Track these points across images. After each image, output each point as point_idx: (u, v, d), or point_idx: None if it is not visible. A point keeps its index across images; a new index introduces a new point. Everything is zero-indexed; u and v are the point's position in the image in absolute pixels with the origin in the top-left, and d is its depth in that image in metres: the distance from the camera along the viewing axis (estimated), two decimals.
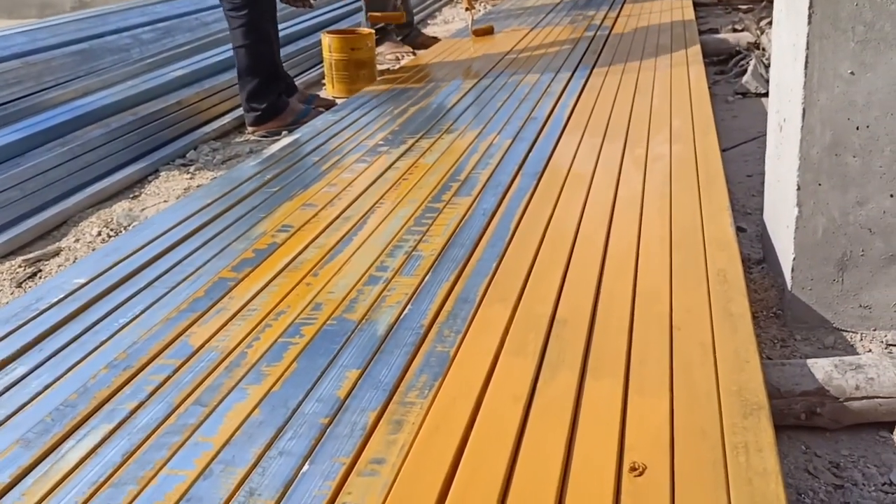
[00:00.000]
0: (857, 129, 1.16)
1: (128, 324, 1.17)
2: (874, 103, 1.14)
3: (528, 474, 0.80)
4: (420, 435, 0.86)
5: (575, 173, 1.67)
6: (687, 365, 0.96)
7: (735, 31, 3.35)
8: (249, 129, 2.63)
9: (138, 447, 0.88)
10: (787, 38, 1.25)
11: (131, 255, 1.40)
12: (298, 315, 1.15)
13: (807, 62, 1.13)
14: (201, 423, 0.92)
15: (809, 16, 1.11)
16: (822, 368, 1.06)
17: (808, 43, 1.12)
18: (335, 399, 0.94)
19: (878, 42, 1.11)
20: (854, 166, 1.18)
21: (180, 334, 1.13)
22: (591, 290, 1.16)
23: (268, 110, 2.59)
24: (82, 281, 1.31)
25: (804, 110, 1.16)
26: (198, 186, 2.17)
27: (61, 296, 1.27)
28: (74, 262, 1.76)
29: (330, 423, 0.90)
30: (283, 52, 2.92)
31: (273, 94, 2.59)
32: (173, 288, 1.27)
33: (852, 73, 1.13)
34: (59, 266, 1.76)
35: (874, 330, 1.27)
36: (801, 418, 1.05)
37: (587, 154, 1.79)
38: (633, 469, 0.78)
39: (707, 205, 1.42)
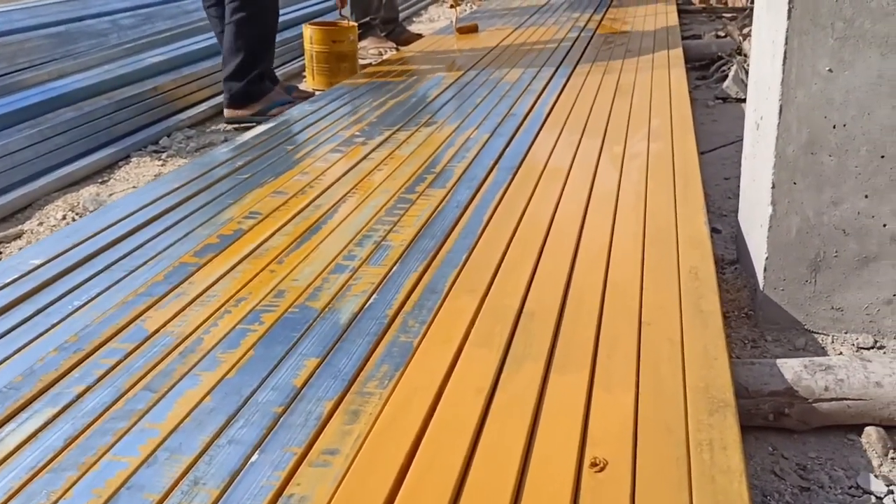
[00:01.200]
0: (834, 127, 1.14)
1: (82, 306, 1.13)
2: (851, 102, 1.12)
3: (486, 469, 0.77)
4: (376, 426, 0.83)
5: (551, 169, 1.65)
6: (654, 360, 0.94)
7: (718, 37, 3.36)
8: (225, 113, 2.57)
9: (82, 432, 0.85)
10: (766, 34, 1.24)
11: (92, 237, 1.36)
12: (259, 302, 1.12)
13: (785, 58, 1.12)
14: (149, 408, 0.88)
15: (789, 11, 1.10)
16: (791, 368, 1.04)
17: (787, 39, 1.11)
18: (291, 387, 0.91)
19: (857, 39, 1.10)
20: (830, 166, 1.16)
21: (135, 318, 1.09)
22: (562, 283, 1.14)
23: (244, 91, 2.50)
24: (38, 262, 1.27)
25: (781, 107, 1.14)
26: (170, 172, 2.12)
27: (15, 276, 1.22)
28: None
29: (284, 411, 0.86)
30: None
31: (254, 74, 2.51)
32: (132, 271, 1.23)
33: (830, 70, 1.11)
34: (19, 249, 1.71)
35: (846, 332, 1.25)
36: (769, 419, 1.03)
37: (564, 150, 1.77)
38: (593, 465, 0.76)
39: (682, 203, 1.41)
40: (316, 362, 0.96)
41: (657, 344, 0.97)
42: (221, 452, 0.80)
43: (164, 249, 1.31)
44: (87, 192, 2.05)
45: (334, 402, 0.88)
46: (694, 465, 0.76)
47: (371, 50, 3.70)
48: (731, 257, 1.51)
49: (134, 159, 2.29)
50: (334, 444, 0.81)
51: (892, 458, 1.01)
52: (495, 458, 0.78)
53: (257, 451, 0.80)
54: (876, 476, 0.98)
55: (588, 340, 0.99)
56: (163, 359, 0.98)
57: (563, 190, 1.52)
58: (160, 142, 2.44)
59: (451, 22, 3.43)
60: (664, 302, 1.07)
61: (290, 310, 1.09)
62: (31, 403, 0.90)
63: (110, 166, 2.24)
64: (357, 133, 1.99)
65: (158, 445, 0.82)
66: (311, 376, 0.93)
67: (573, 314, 1.05)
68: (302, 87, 2.98)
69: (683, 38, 3.14)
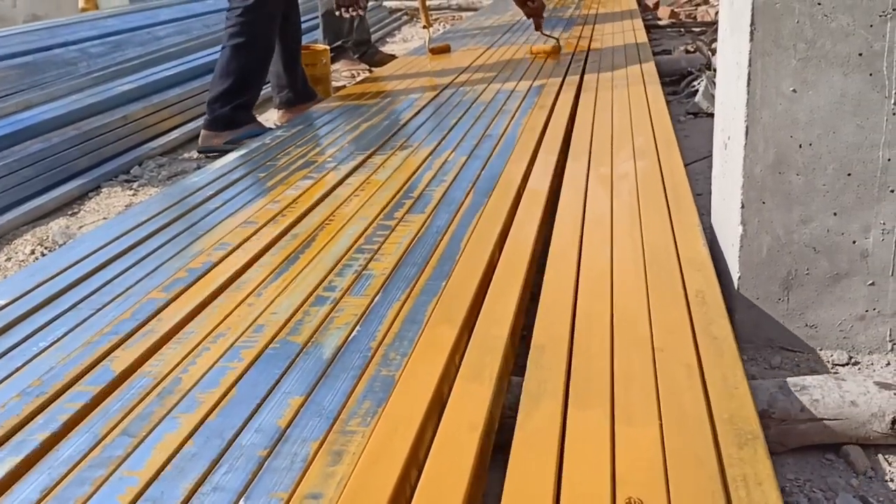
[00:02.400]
0: (800, 146, 1.15)
1: (48, 348, 1.10)
2: (816, 121, 1.13)
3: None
4: (358, 467, 0.81)
5: (532, 191, 1.65)
6: (675, 390, 0.90)
7: (688, 52, 3.40)
8: (200, 138, 2.54)
9: (58, 482, 0.82)
10: (730, 56, 1.25)
11: (58, 274, 1.33)
12: (238, 338, 1.09)
13: (749, 80, 1.12)
14: (128, 455, 0.85)
15: (751, 33, 1.11)
16: (766, 390, 1.04)
17: (750, 60, 1.12)
18: (275, 429, 0.88)
19: (819, 60, 1.11)
20: (798, 184, 1.17)
21: (102, 358, 1.06)
22: (568, 312, 1.10)
23: (223, 118, 2.49)
24: (3, 302, 1.24)
25: (747, 128, 1.15)
26: (140, 203, 2.10)
27: None
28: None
29: (269, 454, 0.84)
30: None
31: (238, 101, 2.50)
32: (99, 310, 1.20)
33: (794, 90, 1.12)
34: None
35: (821, 349, 1.26)
36: None
37: (543, 172, 1.77)
38: None
39: (678, 224, 1.38)
40: (300, 400, 0.93)
41: (674, 371, 0.94)
42: (206, 501, 0.78)
43: (133, 285, 1.28)
44: (57, 224, 2.02)
45: (319, 443, 0.85)
46: (733, 503, 0.73)
47: (344, 72, 3.70)
48: None
49: (105, 190, 2.26)
50: (318, 487, 0.78)
51: (871, 477, 1.01)
52: (524, 499, 0.75)
53: (242, 499, 0.78)
54: (854, 496, 0.98)
55: (604, 372, 0.95)
56: (140, 401, 0.95)
57: (544, 211, 1.51)
58: (131, 171, 2.41)
59: (424, 42, 3.45)
60: (675, 327, 1.04)
61: (271, 345, 1.07)
62: None
63: (80, 198, 2.21)
64: (330, 159, 1.98)
65: (139, 495, 0.79)
66: (295, 416, 0.90)
67: (584, 345, 1.02)
68: (275, 111, 2.96)
69: (653, 53, 3.17)
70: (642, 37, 3.41)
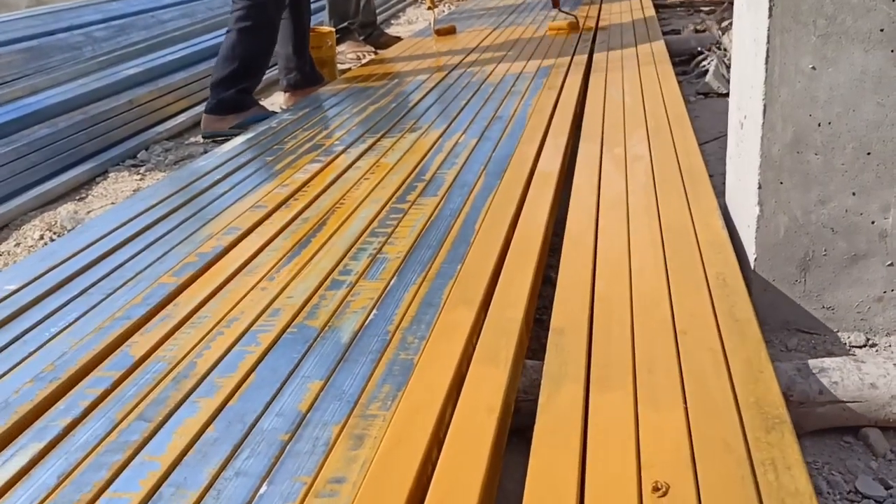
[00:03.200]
0: (819, 125, 1.13)
1: (59, 333, 1.09)
2: (836, 99, 1.11)
3: (540, 495, 0.73)
4: (381, 450, 0.80)
5: (542, 173, 1.63)
6: (699, 373, 0.89)
7: (697, 31, 3.36)
8: (203, 122, 2.53)
9: (75, 468, 0.81)
10: (748, 33, 1.22)
11: (67, 259, 1.33)
12: (254, 322, 1.09)
13: (767, 57, 1.10)
14: (147, 440, 0.85)
15: (770, 9, 1.08)
16: (784, 373, 1.03)
17: (768, 37, 1.09)
18: (296, 413, 0.87)
19: (839, 36, 1.09)
20: (816, 164, 1.15)
21: (119, 344, 1.06)
22: (587, 296, 1.08)
23: (228, 101, 2.48)
24: (13, 287, 1.24)
25: (765, 107, 1.13)
26: (147, 188, 2.09)
27: None
28: None
29: (290, 439, 0.83)
30: None
31: (242, 85, 2.49)
32: (110, 294, 1.20)
33: (814, 67, 1.10)
34: None
35: (837, 331, 1.24)
36: None
37: (554, 152, 1.75)
38: (656, 489, 0.71)
39: (695, 205, 1.35)
40: (320, 385, 0.93)
41: (698, 355, 0.93)
42: (229, 486, 0.77)
43: (143, 270, 1.28)
44: (65, 209, 2.01)
45: (340, 427, 0.85)
46: (762, 487, 0.71)
47: (349, 54, 3.67)
48: None
49: (112, 174, 2.25)
50: (341, 471, 0.78)
51: (890, 460, 1.00)
52: (549, 482, 0.74)
53: (266, 483, 0.77)
54: (874, 479, 0.97)
55: (625, 355, 0.94)
56: (155, 386, 0.95)
57: (555, 193, 1.50)
58: (138, 155, 2.40)
59: (429, 24, 3.41)
60: (697, 310, 1.02)
61: (288, 330, 1.06)
62: (15, 439, 0.87)
63: (88, 182, 2.20)
64: (337, 142, 1.96)
65: (162, 480, 0.78)
66: (315, 400, 0.90)
67: (604, 328, 1.00)
68: (281, 94, 2.94)
69: (662, 33, 3.13)
70: (651, 14, 3.37)
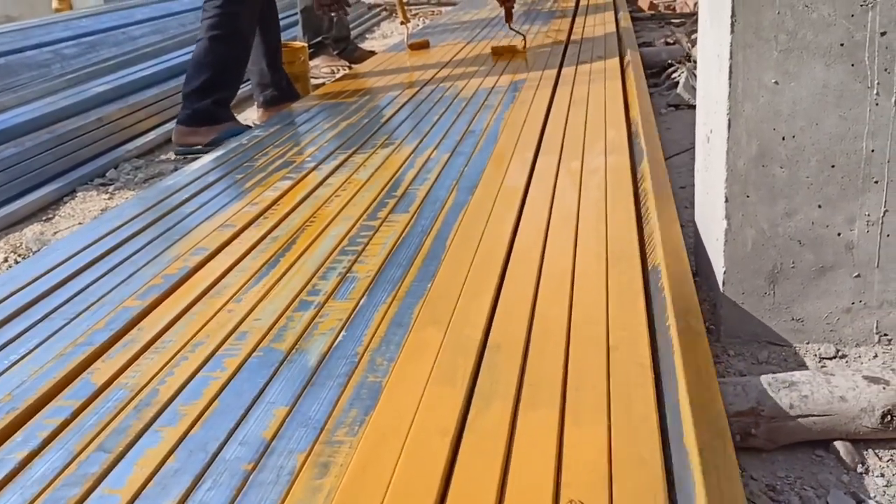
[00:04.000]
0: (783, 139, 1.14)
1: (19, 360, 1.07)
2: (799, 113, 1.12)
3: None
4: (346, 478, 0.79)
5: (508, 188, 1.63)
6: (625, 389, 0.90)
7: (667, 44, 3.39)
8: (175, 136, 2.49)
9: (31, 503, 0.79)
10: (711, 48, 1.23)
11: (29, 283, 1.30)
12: (220, 346, 1.06)
13: (731, 72, 1.11)
14: (106, 472, 0.82)
15: (732, 25, 1.09)
16: (755, 387, 1.03)
17: (731, 53, 1.10)
18: (260, 441, 0.86)
19: (800, 51, 1.09)
20: (781, 177, 1.16)
21: (80, 371, 1.03)
22: (526, 312, 1.09)
23: (203, 112, 2.42)
24: None
25: (730, 121, 1.14)
26: (114, 208, 2.06)
27: None
28: None
29: (254, 468, 0.81)
30: None
31: (217, 96, 2.43)
32: (72, 320, 1.17)
33: (776, 82, 1.11)
34: None
35: (807, 343, 1.25)
36: (736, 440, 1.01)
37: (521, 168, 1.75)
38: None
39: (648, 219, 1.37)
40: (285, 411, 0.91)
41: (627, 370, 0.94)
42: None
43: (107, 294, 1.25)
44: (31, 231, 1.98)
45: (305, 455, 0.83)
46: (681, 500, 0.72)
47: (324, 69, 3.66)
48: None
49: (80, 194, 2.22)
50: (305, 501, 0.76)
51: (861, 474, 1.01)
52: (469, 501, 0.74)
53: None
54: (845, 493, 0.97)
55: (557, 371, 0.94)
56: (116, 415, 0.92)
57: (518, 210, 1.50)
58: (107, 174, 2.37)
59: (403, 38, 3.41)
60: (629, 324, 1.03)
61: (254, 353, 1.04)
62: None
63: (55, 202, 2.17)
64: (309, 158, 1.95)
65: None
66: (280, 426, 0.88)
67: (539, 344, 1.01)
68: (254, 109, 2.92)
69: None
70: (627, 24, 3.40)
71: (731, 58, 1.10)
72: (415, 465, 0.80)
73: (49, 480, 0.82)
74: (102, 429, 0.90)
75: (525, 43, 3.05)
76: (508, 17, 3.10)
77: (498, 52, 3.02)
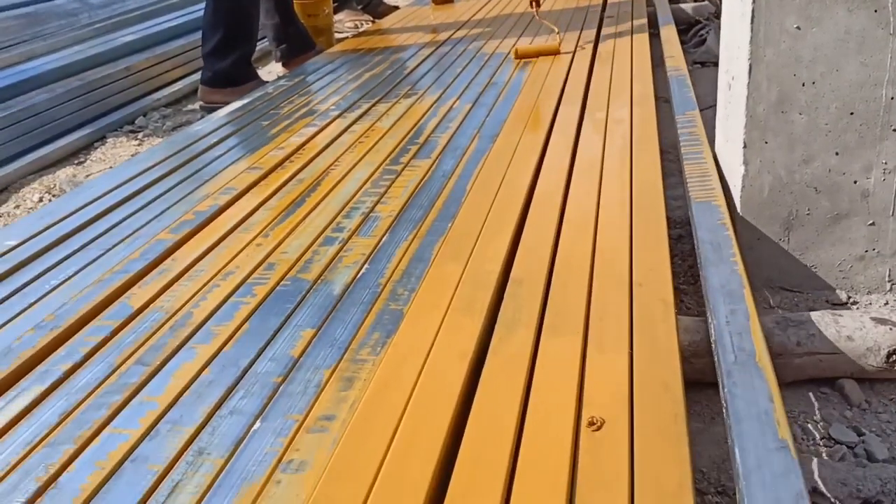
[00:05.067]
0: (804, 85, 1.15)
1: (59, 285, 1.12)
2: (820, 59, 1.13)
3: (481, 429, 0.77)
4: (369, 392, 0.84)
5: (529, 137, 1.65)
6: (649, 322, 0.93)
7: (696, 0, 3.35)
8: (200, 93, 2.53)
9: (76, 407, 0.85)
10: None
11: (66, 217, 1.35)
12: (249, 275, 1.12)
13: (753, 17, 1.12)
14: (145, 382, 0.88)
15: None
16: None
17: None
18: (289, 358, 0.91)
19: None
20: (800, 124, 1.17)
21: (118, 296, 1.09)
22: (548, 251, 1.12)
23: (224, 74, 2.42)
24: (13, 243, 1.26)
25: (751, 66, 1.15)
26: (145, 151, 2.11)
27: None
28: None
29: (283, 381, 0.87)
30: None
31: (236, 54, 2.42)
32: (108, 250, 1.22)
33: (798, 27, 1.12)
34: None
35: (820, 289, 1.27)
36: None
37: (543, 118, 1.77)
38: (591, 423, 0.76)
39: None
40: (312, 332, 0.96)
41: (651, 304, 0.96)
42: (224, 423, 0.80)
43: (141, 227, 1.30)
44: (64, 173, 2.03)
45: (331, 370, 0.88)
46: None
47: (347, 23, 3.66)
48: None
49: (110, 140, 2.27)
50: (331, 410, 0.81)
51: (864, 410, 1.04)
52: (491, 418, 0.78)
53: (259, 420, 0.81)
54: (847, 427, 1.00)
55: (580, 303, 0.98)
56: (153, 334, 0.98)
57: (542, 159, 1.52)
58: (136, 122, 2.41)
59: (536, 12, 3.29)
60: (655, 264, 1.05)
61: (282, 282, 1.09)
62: (17, 382, 0.91)
63: (86, 147, 2.22)
64: (333, 107, 1.98)
65: (159, 418, 0.82)
66: (307, 346, 0.93)
67: (562, 279, 1.04)
68: (274, 65, 2.94)
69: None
70: None
71: (753, 2, 1.11)
72: (434, 382, 0.85)
73: (92, 388, 0.88)
74: (140, 345, 0.96)
75: (561, 40, 2.40)
76: (535, 2, 2.59)
77: (524, 56, 2.31)
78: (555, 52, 2.29)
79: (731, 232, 1.09)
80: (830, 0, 1.10)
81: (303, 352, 0.92)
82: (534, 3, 2.64)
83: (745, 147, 1.20)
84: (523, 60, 2.29)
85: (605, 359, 0.87)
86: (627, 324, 0.93)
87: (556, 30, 2.49)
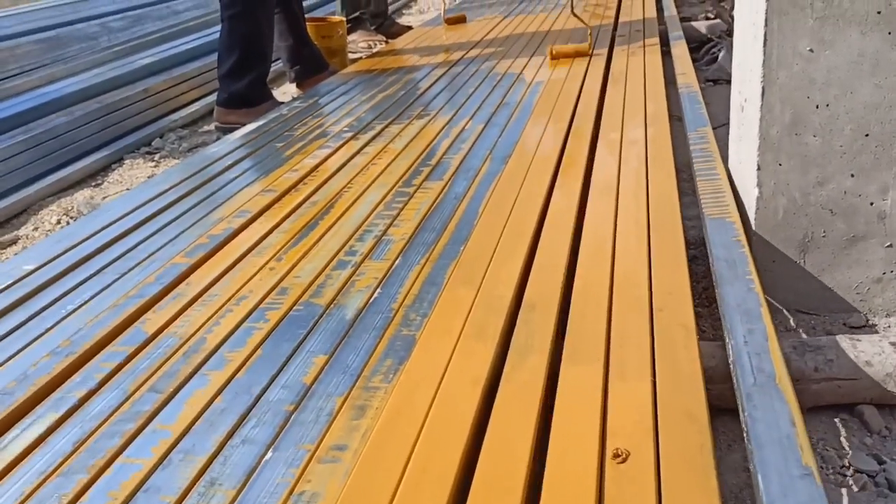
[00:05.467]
0: (817, 107, 1.14)
1: (75, 310, 1.13)
2: (833, 81, 1.13)
3: (495, 459, 0.76)
4: (381, 420, 0.83)
5: (541, 158, 1.65)
6: (670, 348, 0.92)
7: (708, 18, 3.35)
8: (216, 114, 2.56)
9: (89, 435, 0.85)
10: (747, 16, 1.24)
11: (83, 241, 1.37)
12: (262, 300, 1.12)
13: (765, 40, 1.12)
14: (158, 410, 0.89)
15: None
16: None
17: (766, 20, 1.11)
18: (301, 385, 0.91)
19: (836, 19, 1.10)
20: (814, 146, 1.17)
21: (133, 321, 1.09)
22: (560, 275, 1.12)
23: (239, 95, 2.44)
24: (31, 267, 1.28)
25: (763, 89, 1.14)
26: (161, 174, 2.13)
27: (8, 282, 1.23)
28: None
29: (295, 409, 0.87)
30: None
31: (251, 76, 2.44)
32: (124, 275, 1.23)
33: (811, 50, 1.12)
34: (14, 255, 1.72)
35: (837, 312, 1.26)
36: None
37: (555, 138, 1.77)
38: (616, 456, 0.74)
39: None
40: (324, 359, 0.96)
41: (672, 330, 0.95)
42: (236, 452, 0.80)
43: (156, 251, 1.31)
44: (82, 195, 2.06)
45: (343, 398, 0.88)
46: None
47: (361, 43, 3.70)
48: None
49: (127, 161, 2.29)
50: (343, 439, 0.81)
51: (885, 437, 1.02)
52: (504, 447, 0.78)
53: (271, 450, 0.80)
54: (868, 454, 0.99)
55: (599, 329, 0.97)
56: (167, 360, 0.99)
57: (554, 179, 1.52)
58: (153, 143, 2.44)
59: (440, 13, 3.43)
60: (676, 288, 1.04)
61: (295, 307, 1.10)
62: (33, 408, 0.91)
63: (104, 169, 2.25)
64: (346, 128, 1.99)
65: (172, 447, 0.82)
66: (320, 373, 0.93)
67: (580, 305, 1.03)
68: (289, 86, 2.97)
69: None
70: (672, 9, 3.36)
71: (766, 25, 1.11)
72: (447, 411, 0.84)
73: (106, 416, 0.88)
74: (154, 372, 0.96)
75: (592, 41, 2.58)
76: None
77: (560, 56, 2.52)
78: (586, 54, 2.51)
79: (746, 249, 1.08)
80: (843, 23, 1.09)
81: (315, 379, 0.92)
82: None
83: (758, 169, 1.19)
84: (556, 61, 2.51)
85: (627, 387, 0.85)
86: (649, 350, 0.92)
87: (589, 30, 2.62)
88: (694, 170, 1.44)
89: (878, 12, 1.08)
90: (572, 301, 1.05)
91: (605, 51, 2.61)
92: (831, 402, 1.06)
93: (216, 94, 2.55)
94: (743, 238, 1.11)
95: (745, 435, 0.75)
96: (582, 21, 2.68)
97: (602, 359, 0.91)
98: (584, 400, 0.84)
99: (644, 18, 3.09)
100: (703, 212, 1.24)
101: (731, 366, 0.85)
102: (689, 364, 0.88)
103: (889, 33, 1.09)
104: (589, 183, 1.47)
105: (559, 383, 0.87)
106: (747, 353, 0.86)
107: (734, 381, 0.83)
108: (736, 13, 1.37)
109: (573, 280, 1.11)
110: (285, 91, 2.98)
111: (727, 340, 0.90)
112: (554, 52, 2.51)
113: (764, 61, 1.13)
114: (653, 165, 1.51)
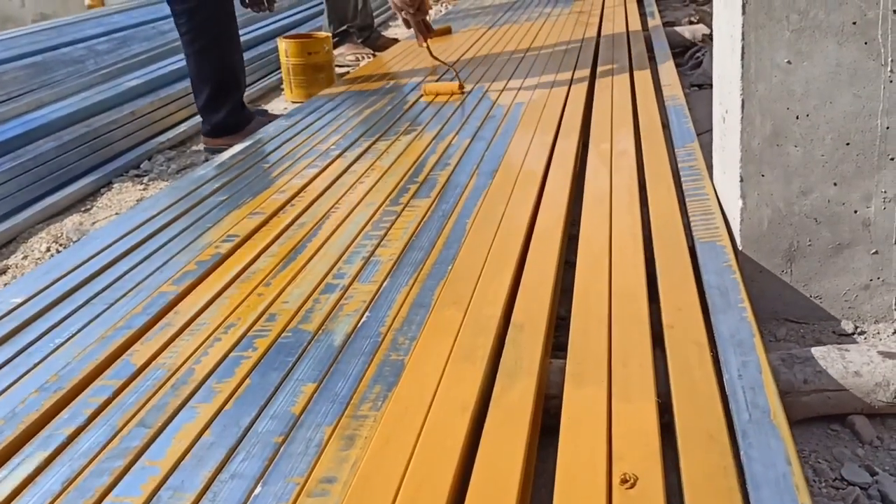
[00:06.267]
0: (797, 118, 1.15)
1: (63, 343, 1.13)
2: (812, 92, 1.13)
3: (484, 487, 0.76)
4: (371, 450, 0.83)
5: (528, 172, 1.65)
6: (685, 366, 0.91)
7: (691, 23, 3.36)
8: (204, 143, 2.55)
9: (79, 474, 0.85)
10: (724, 29, 1.24)
11: (70, 272, 1.36)
12: (251, 327, 1.12)
13: (743, 53, 1.12)
14: (147, 445, 0.88)
15: (744, 6, 1.10)
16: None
17: (743, 33, 1.11)
18: (290, 415, 0.91)
19: (812, 30, 1.10)
20: (796, 156, 1.17)
21: (121, 353, 1.09)
22: (548, 293, 1.12)
23: (221, 125, 2.41)
24: (19, 300, 1.27)
25: (743, 101, 1.15)
26: (149, 198, 2.13)
27: None
28: None
29: (284, 441, 0.86)
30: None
31: (229, 104, 2.42)
32: (112, 305, 1.23)
33: (789, 62, 1.12)
34: (4, 285, 1.71)
35: (825, 320, 1.26)
36: None
37: (542, 151, 1.77)
38: (624, 481, 0.73)
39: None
40: (313, 387, 0.96)
41: (685, 347, 0.94)
42: (225, 488, 0.80)
43: (143, 280, 1.31)
44: (71, 221, 2.05)
45: (332, 428, 0.88)
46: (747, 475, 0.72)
47: (348, 56, 3.70)
48: None
49: (116, 185, 2.29)
50: (332, 471, 0.81)
51: (876, 447, 1.02)
52: (494, 474, 0.77)
53: (260, 484, 0.80)
54: (860, 466, 0.99)
55: (601, 350, 0.96)
56: (155, 393, 0.98)
57: (538, 191, 1.52)
58: (141, 166, 2.44)
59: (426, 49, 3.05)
60: (686, 303, 1.04)
61: (283, 334, 1.09)
62: (21, 447, 0.91)
63: (93, 194, 2.24)
64: (334, 146, 1.99)
65: (160, 484, 0.82)
66: (308, 402, 0.93)
67: (581, 323, 1.03)
68: (282, 100, 2.98)
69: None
70: (653, 7, 3.37)
71: (743, 38, 1.12)
72: (436, 438, 0.84)
73: (94, 453, 0.88)
74: (142, 406, 0.96)
75: (462, 84, 2.34)
76: (422, 34, 2.36)
77: (431, 93, 2.32)
78: (456, 92, 2.31)
79: (737, 275, 1.08)
80: (819, 34, 1.10)
81: (304, 408, 0.92)
82: (421, 39, 2.40)
83: (741, 181, 1.20)
84: (431, 98, 2.30)
85: (632, 408, 0.84)
86: (651, 369, 0.91)
87: (456, 71, 2.47)
88: (683, 189, 1.44)
89: (854, 23, 1.09)
90: (573, 319, 1.04)
91: (590, 57, 2.62)
92: (822, 413, 1.06)
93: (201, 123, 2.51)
94: (733, 262, 1.11)
95: (742, 474, 0.74)
96: (442, 62, 2.56)
97: (605, 380, 0.90)
98: (589, 424, 0.83)
99: (627, 23, 3.10)
100: (693, 234, 1.24)
101: (728, 399, 0.85)
102: (705, 383, 0.87)
103: (865, 43, 1.10)
104: (579, 197, 1.48)
105: (563, 406, 0.86)
106: (742, 388, 0.86)
107: (733, 416, 0.82)
108: (714, 26, 1.37)
109: (571, 295, 1.10)
110: (273, 108, 2.99)
111: (723, 373, 0.90)
112: (426, 90, 2.35)
113: (742, 74, 1.13)
114: (650, 179, 1.51)
